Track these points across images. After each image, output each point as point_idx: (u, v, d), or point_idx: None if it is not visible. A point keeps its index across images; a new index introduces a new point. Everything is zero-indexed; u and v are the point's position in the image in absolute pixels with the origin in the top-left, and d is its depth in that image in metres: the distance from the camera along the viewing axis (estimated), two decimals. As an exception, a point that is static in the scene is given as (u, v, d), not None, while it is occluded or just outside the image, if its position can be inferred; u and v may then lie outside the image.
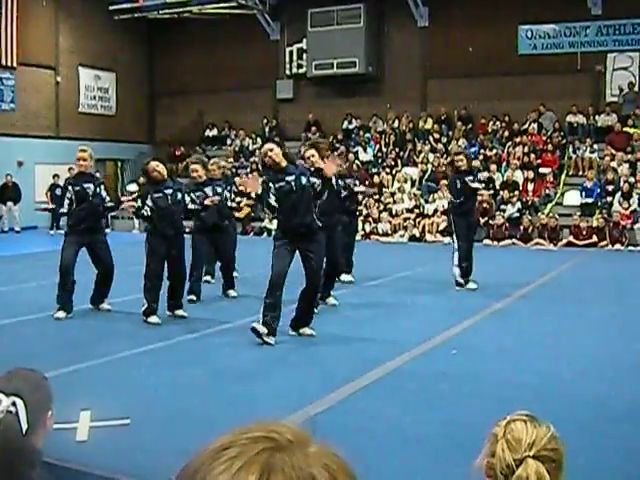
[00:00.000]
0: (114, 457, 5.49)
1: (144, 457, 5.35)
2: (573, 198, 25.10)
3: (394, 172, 28.00)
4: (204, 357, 8.77)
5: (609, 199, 24.03)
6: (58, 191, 28.63)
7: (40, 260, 19.08)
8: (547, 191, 25.61)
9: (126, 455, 5.51)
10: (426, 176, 27.13)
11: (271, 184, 9.65)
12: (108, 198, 11.83)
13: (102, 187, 11.78)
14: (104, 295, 11.88)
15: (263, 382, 7.59)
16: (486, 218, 24.11)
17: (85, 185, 11.42)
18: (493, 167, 26.38)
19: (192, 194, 11.54)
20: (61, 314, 11.13)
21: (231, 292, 13.29)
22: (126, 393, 7.08)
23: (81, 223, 11.33)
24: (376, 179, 27.44)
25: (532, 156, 26.62)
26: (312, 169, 10.03)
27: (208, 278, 14.20)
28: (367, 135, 30.47)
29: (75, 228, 11.40)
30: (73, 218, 11.47)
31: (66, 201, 11.43)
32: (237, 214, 15.67)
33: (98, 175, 13.04)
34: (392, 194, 26.42)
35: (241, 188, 14.97)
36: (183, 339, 9.66)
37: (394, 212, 25.60)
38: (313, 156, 10.36)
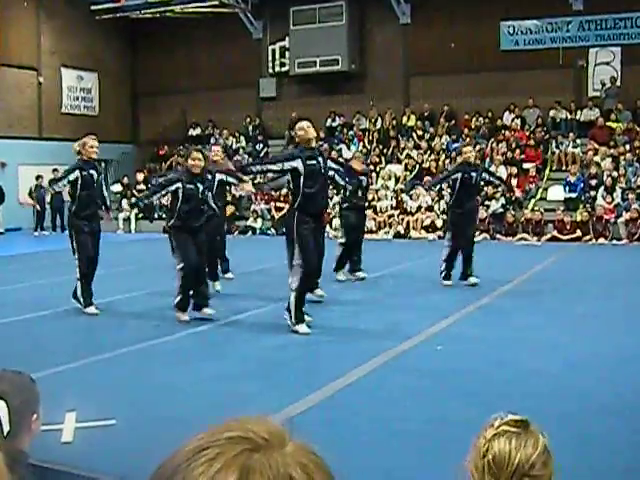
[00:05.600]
0: (99, 458, 5.49)
1: (129, 458, 5.35)
2: (557, 193, 25.19)
3: (378, 169, 28.03)
4: (189, 357, 8.77)
5: (592, 193, 24.13)
6: (42, 192, 28.68)
7: (25, 262, 19.01)
8: (531, 186, 25.69)
9: (111, 456, 5.50)
10: (412, 175, 27.16)
11: (300, 159, 9.75)
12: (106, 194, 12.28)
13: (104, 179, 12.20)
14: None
15: (248, 381, 7.59)
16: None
17: (91, 171, 11.76)
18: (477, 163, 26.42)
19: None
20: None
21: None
22: (111, 394, 7.07)
23: (86, 209, 11.68)
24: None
25: (516, 152, 26.72)
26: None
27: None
28: (351, 133, 30.49)
29: (81, 214, 11.67)
30: (77, 204, 11.71)
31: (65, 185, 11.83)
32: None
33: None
34: (376, 191, 26.42)
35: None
36: (168, 339, 9.64)
37: (378, 209, 25.62)
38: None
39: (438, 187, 14.58)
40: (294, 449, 1.05)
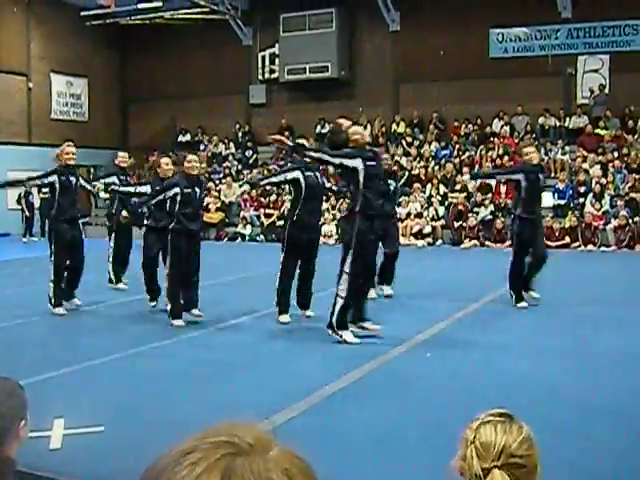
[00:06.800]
0: (88, 465, 5.47)
1: (118, 464, 5.33)
2: (545, 200, 25.18)
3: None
4: (179, 363, 8.75)
5: (581, 200, 24.21)
6: (31, 198, 28.61)
7: (14, 267, 18.96)
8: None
9: (100, 463, 5.48)
10: (402, 181, 27.20)
11: (360, 160, 9.50)
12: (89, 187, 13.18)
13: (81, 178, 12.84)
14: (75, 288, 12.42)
15: (238, 386, 7.58)
16: (460, 221, 24.30)
17: (70, 177, 12.15)
18: (466, 170, 26.51)
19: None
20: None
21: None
22: (100, 400, 7.06)
23: (65, 214, 12.02)
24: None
25: (505, 158, 26.77)
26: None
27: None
28: (340, 139, 30.47)
29: (61, 218, 12.03)
30: (57, 209, 12.07)
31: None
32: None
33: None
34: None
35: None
36: (157, 345, 9.62)
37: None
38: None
39: (490, 180, 13.03)
40: (278, 454, 1.06)
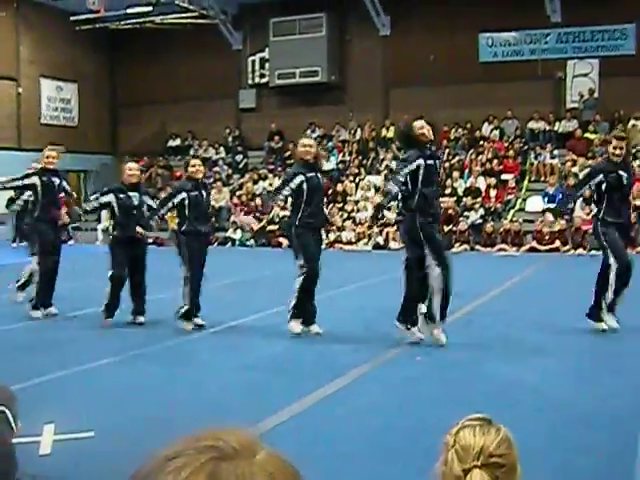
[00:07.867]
0: (78, 470, 5.45)
1: (108, 470, 5.32)
2: (536, 204, 25.31)
3: (357, 180, 28.10)
4: (168, 368, 8.73)
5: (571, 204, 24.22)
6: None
7: (3, 273, 18.88)
8: (510, 197, 25.82)
9: (90, 468, 5.47)
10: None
11: (422, 159, 9.49)
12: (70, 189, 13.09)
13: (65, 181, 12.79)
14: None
15: (227, 391, 7.58)
16: (451, 225, 24.34)
17: (52, 178, 12.16)
18: (456, 174, 26.57)
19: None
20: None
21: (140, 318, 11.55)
22: (90, 406, 7.04)
23: (48, 214, 12.11)
24: (339, 187, 27.54)
25: (494, 162, 26.85)
26: None
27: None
28: (330, 144, 30.55)
29: (44, 218, 12.10)
30: (40, 209, 12.10)
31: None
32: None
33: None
34: (356, 202, 26.50)
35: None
36: (147, 350, 9.61)
37: (358, 220, 25.67)
38: None
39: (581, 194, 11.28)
40: (264, 458, 1.06)
